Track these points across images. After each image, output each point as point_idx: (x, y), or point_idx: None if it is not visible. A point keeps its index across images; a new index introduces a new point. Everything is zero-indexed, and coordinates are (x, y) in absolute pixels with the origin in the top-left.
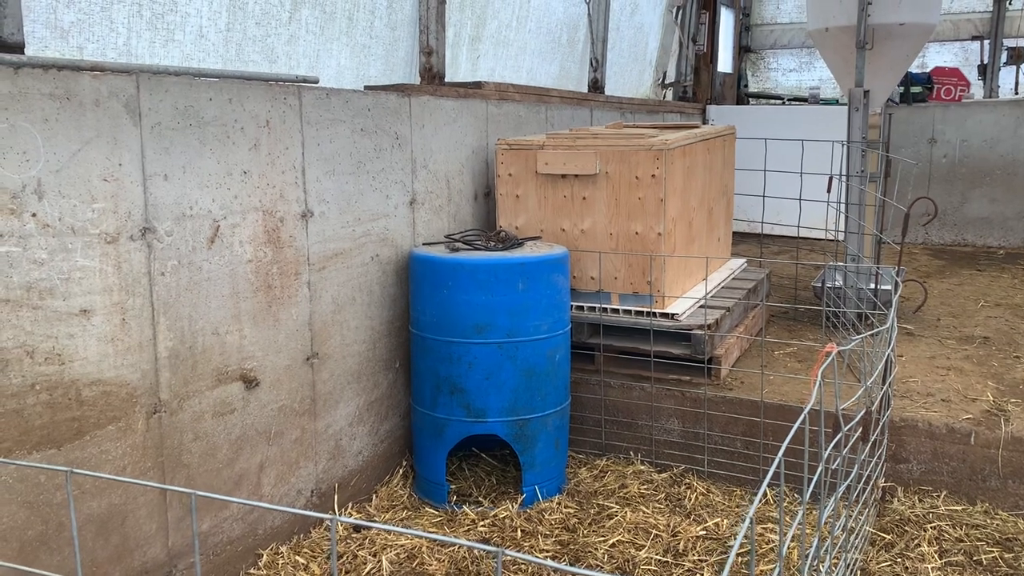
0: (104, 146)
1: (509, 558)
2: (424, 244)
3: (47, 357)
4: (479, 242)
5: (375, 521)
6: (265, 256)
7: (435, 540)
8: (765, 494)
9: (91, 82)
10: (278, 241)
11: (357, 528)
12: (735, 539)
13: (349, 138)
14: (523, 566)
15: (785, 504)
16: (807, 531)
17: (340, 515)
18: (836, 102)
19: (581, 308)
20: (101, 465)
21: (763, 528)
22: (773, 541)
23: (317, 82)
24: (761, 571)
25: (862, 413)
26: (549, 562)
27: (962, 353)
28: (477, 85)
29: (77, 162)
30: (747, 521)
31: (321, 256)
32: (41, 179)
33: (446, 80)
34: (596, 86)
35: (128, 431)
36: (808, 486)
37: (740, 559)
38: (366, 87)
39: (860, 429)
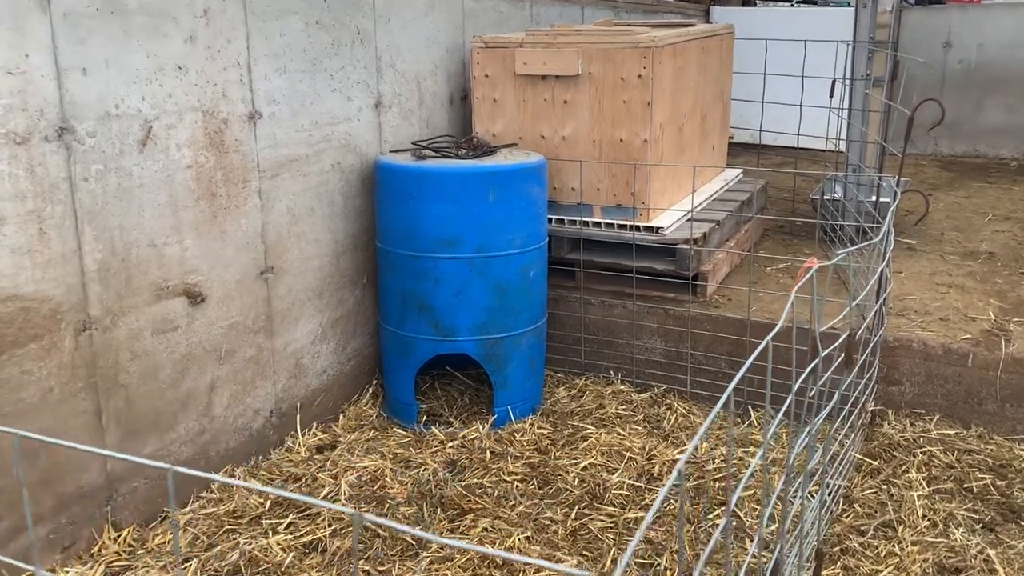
0: (6, 34)
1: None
2: (391, 151)
3: None
4: (449, 149)
5: (340, 441)
6: (207, 161)
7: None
8: (748, 415)
9: None
10: (222, 145)
11: (320, 449)
12: (712, 463)
13: (303, 31)
14: (489, 489)
15: (763, 429)
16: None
17: (304, 435)
18: (848, 4)
19: (561, 221)
20: (24, 386)
21: (744, 452)
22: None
23: None
24: (738, 497)
25: (844, 336)
26: (407, 528)
27: (965, 269)
28: None
29: None
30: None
31: (273, 162)
32: None
33: None
34: None
35: (53, 350)
36: (782, 405)
37: (716, 483)
38: None
39: (843, 352)
